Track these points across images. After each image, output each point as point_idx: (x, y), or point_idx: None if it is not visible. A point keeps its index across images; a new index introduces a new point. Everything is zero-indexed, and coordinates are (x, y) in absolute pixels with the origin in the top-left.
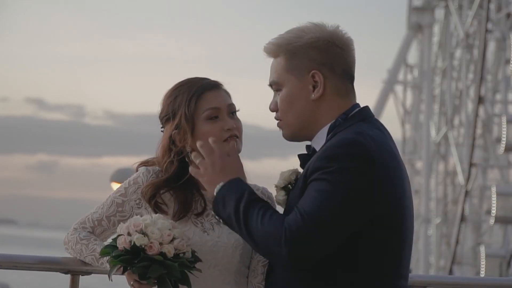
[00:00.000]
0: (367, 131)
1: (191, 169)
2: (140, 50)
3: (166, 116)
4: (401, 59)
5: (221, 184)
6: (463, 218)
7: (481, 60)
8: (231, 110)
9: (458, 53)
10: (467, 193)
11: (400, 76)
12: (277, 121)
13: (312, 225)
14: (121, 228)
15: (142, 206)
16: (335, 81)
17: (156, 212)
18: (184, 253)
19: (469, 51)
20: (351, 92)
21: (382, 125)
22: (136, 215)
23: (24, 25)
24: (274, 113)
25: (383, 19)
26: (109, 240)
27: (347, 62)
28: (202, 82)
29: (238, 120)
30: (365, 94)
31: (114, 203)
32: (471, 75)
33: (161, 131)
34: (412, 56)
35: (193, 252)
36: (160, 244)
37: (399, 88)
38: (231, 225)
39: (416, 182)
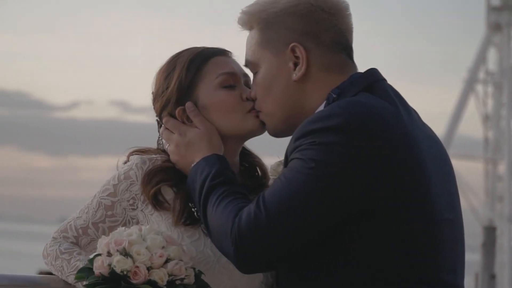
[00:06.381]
0: (361, 99)
1: (171, 157)
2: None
3: (162, 94)
4: (480, 59)
5: (191, 167)
6: None
7: None
8: (247, 84)
9: None
10: None
11: (481, 75)
12: (259, 115)
13: (267, 218)
14: (100, 245)
15: (137, 207)
16: (322, 55)
17: (156, 208)
18: (182, 279)
19: None
20: (347, 65)
21: (396, 92)
22: (132, 218)
23: (107, 25)
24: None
25: (460, 18)
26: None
27: (337, 30)
28: (208, 48)
29: None
30: (445, 93)
31: (101, 205)
32: None
33: (156, 120)
34: (492, 56)
35: (198, 274)
36: (149, 268)
37: (479, 88)
38: None
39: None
